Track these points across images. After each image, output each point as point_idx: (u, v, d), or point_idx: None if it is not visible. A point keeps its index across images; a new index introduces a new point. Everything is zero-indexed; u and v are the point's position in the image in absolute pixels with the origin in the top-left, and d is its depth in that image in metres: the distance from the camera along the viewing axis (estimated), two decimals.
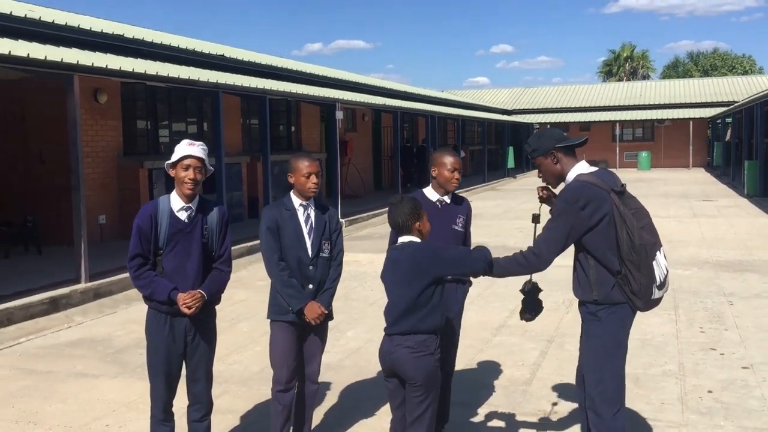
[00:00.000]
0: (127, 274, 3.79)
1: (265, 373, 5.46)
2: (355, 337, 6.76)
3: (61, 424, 4.78)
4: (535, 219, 3.89)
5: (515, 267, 3.45)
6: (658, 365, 5.73)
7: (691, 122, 36.48)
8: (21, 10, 10.25)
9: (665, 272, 3.39)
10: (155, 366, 3.73)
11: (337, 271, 4.08)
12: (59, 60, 8.05)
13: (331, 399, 5.13)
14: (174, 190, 3.75)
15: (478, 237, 12.90)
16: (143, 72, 9.66)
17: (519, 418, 4.71)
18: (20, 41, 9.16)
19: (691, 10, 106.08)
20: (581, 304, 3.56)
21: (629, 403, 4.80)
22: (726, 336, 6.52)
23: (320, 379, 4.20)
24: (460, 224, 4.24)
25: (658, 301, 3.42)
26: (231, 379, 5.60)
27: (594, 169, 3.50)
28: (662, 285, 3.38)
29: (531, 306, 3.79)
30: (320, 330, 4.07)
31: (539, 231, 3.52)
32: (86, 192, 9.64)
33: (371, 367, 5.84)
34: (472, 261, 3.37)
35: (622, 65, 62.69)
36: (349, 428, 4.60)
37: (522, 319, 3.82)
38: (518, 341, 6.49)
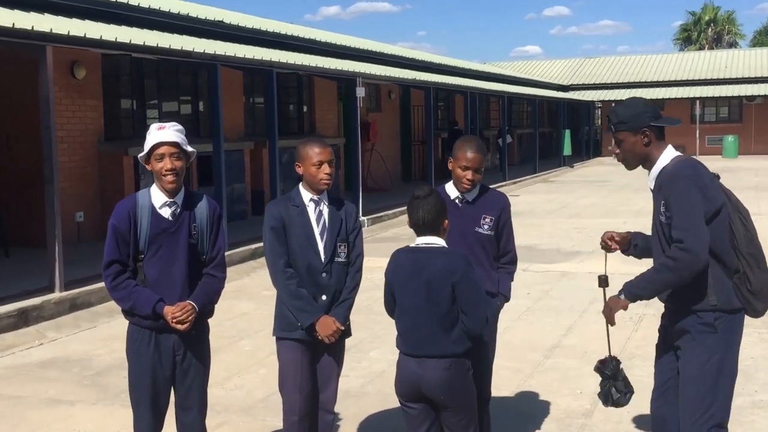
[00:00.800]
0: None
1: (271, 400, 5.49)
2: (380, 358, 6.77)
3: None
4: (603, 282, 3.88)
5: (664, 275, 3.37)
6: (746, 394, 5.66)
7: None
8: None
9: None
10: (139, 392, 3.76)
11: (355, 279, 4.09)
12: (29, 28, 8.14)
13: (350, 431, 5.14)
14: (154, 184, 3.77)
15: (526, 239, 12.85)
16: (128, 42, 9.74)
17: None
18: None
19: None
20: (690, 314, 3.49)
21: None
22: None
23: (337, 407, 4.21)
24: (485, 226, 4.20)
25: None
26: (231, 408, 5.63)
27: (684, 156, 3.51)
28: None
29: (622, 386, 3.85)
30: (335, 349, 4.07)
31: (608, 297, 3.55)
32: (61, 184, 9.75)
33: None
34: (481, 312, 3.48)
35: (704, 30, 61.92)
36: None
37: (609, 404, 3.84)
38: (576, 365, 6.45)
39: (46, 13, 10.23)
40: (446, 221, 3.55)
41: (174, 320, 3.63)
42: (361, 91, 15.21)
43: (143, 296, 3.67)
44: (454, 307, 3.41)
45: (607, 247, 3.81)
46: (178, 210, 3.74)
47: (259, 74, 13.86)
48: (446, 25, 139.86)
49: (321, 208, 4.03)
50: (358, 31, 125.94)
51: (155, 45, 10.24)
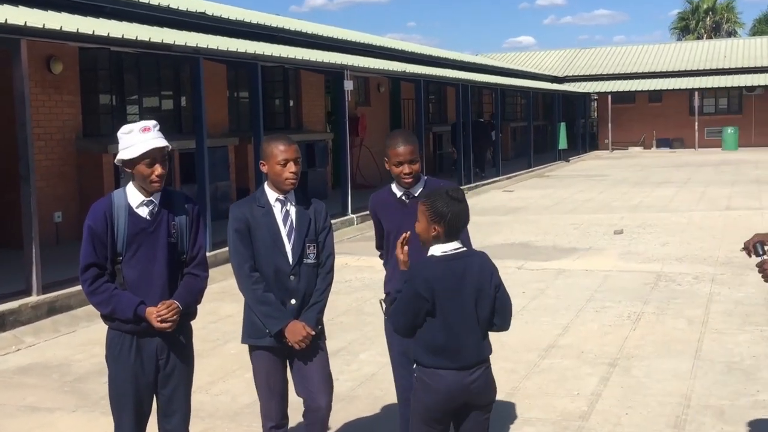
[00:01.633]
0: None
1: (257, 406, 5.46)
2: (370, 360, 6.76)
3: None
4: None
5: None
6: (749, 394, 5.67)
7: None
8: None
9: None
10: (121, 400, 3.74)
11: (326, 280, 4.06)
12: (2, 21, 8.09)
13: None
14: (130, 183, 3.74)
15: (521, 235, 12.87)
16: (106, 35, 9.69)
17: None
18: None
19: None
20: None
21: None
22: None
23: None
24: None
25: None
26: (216, 413, 5.62)
27: None
28: None
29: None
30: (312, 353, 4.01)
31: None
32: (38, 183, 9.71)
33: (389, 396, 5.82)
34: (511, 309, 3.56)
35: (702, 19, 62.12)
36: None
37: None
38: (572, 365, 6.46)
39: (20, 6, 10.17)
40: None
41: (159, 319, 3.61)
42: (349, 85, 15.19)
43: (123, 300, 3.65)
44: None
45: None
46: (156, 209, 3.73)
47: (244, 68, 13.84)
48: (437, 16, 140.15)
49: (288, 208, 3.99)
50: (346, 23, 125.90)
51: (135, 38, 10.20)
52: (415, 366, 3.48)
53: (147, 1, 13.37)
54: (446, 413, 3.44)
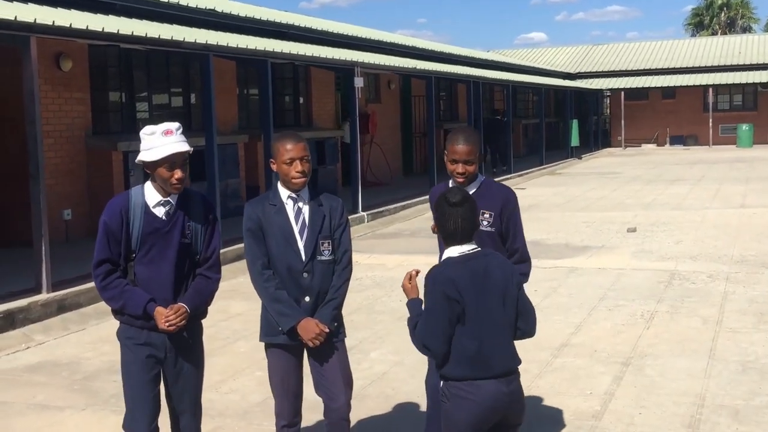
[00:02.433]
0: None
1: (268, 404, 5.47)
2: (381, 359, 6.76)
3: None
4: None
5: None
6: (764, 394, 5.64)
7: None
8: None
9: None
10: (135, 386, 3.76)
11: (342, 276, 4.04)
12: (12, 18, 8.12)
13: None
14: (149, 181, 3.76)
15: (533, 233, 12.83)
16: (116, 32, 9.72)
17: None
18: None
19: None
20: None
21: None
22: None
23: None
24: (485, 222, 4.13)
25: None
26: (226, 412, 5.63)
27: None
28: None
29: None
30: (329, 351, 4.01)
31: None
32: (48, 181, 9.75)
33: (400, 395, 5.84)
34: (534, 312, 3.51)
35: (716, 15, 61.83)
36: None
37: None
38: (585, 364, 6.44)
39: (30, 3, 10.21)
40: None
41: (167, 323, 3.63)
42: (359, 82, 15.19)
43: (134, 296, 3.69)
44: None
45: None
46: (173, 209, 3.76)
47: (254, 64, 13.84)
48: (447, 12, 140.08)
49: (300, 206, 3.99)
50: (356, 19, 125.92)
51: (144, 35, 10.23)
52: (442, 383, 3.26)
53: None
54: (483, 425, 3.21)
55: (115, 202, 3.74)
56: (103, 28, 9.58)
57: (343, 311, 4.13)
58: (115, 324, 3.93)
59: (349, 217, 14.34)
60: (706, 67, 38.31)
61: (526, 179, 23.53)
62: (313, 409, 4.82)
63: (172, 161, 3.65)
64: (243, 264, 10.78)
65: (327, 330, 3.92)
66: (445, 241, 3.35)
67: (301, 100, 19.03)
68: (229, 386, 6.18)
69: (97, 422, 5.52)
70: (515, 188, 20.51)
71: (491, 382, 3.19)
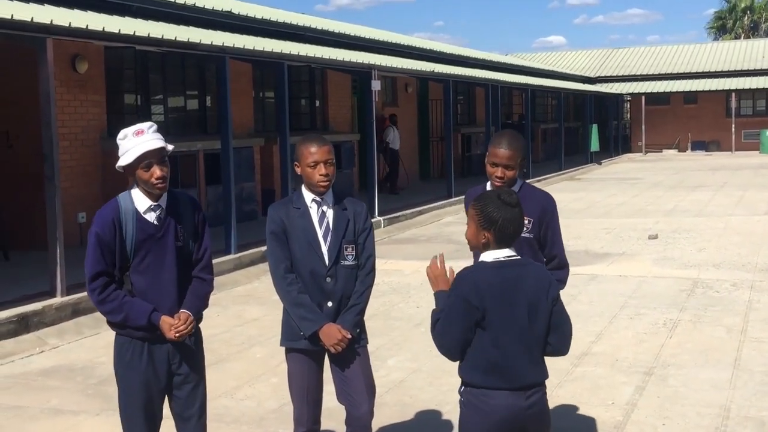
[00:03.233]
0: None
1: (284, 411, 5.47)
2: (398, 366, 6.74)
3: None
4: None
5: None
6: None
7: None
8: None
9: None
10: (133, 409, 3.72)
11: (365, 282, 4.04)
12: (28, 20, 8.18)
13: None
14: (135, 187, 3.72)
15: None
16: (132, 34, 9.76)
17: None
18: None
19: None
20: None
21: None
22: None
23: None
24: (525, 229, 4.12)
25: None
26: (242, 419, 5.62)
27: None
28: None
29: None
30: (351, 357, 4.00)
31: None
32: (63, 183, 9.78)
33: (418, 404, 5.81)
34: (570, 329, 3.31)
35: (740, 18, 61.51)
36: None
37: None
38: (606, 373, 6.40)
39: (46, 4, 10.28)
40: None
41: (177, 334, 3.61)
42: (376, 85, 15.19)
43: (136, 307, 3.63)
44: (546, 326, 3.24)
45: None
46: (163, 214, 3.71)
47: (270, 67, 13.87)
48: (465, 15, 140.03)
49: (324, 209, 3.99)
50: (373, 22, 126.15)
51: (160, 37, 10.27)
52: (462, 389, 3.24)
53: (173, 0, 13.47)
54: None
55: (104, 211, 3.67)
56: (119, 30, 9.62)
57: None
58: None
59: None
60: (728, 71, 38.11)
61: (545, 185, 23.44)
62: (331, 416, 4.81)
63: (147, 160, 3.58)
64: (258, 269, 10.90)
65: (349, 336, 3.91)
66: (484, 245, 3.22)
67: (317, 104, 19.05)
68: (244, 393, 6.18)
69: (111, 428, 5.52)
70: None
71: (505, 393, 3.13)
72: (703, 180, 23.44)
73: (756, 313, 8.07)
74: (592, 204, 18.29)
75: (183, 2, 13.64)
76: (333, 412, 4.71)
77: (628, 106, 41.89)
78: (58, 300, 8.41)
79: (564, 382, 6.20)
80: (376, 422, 5.43)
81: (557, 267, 4.18)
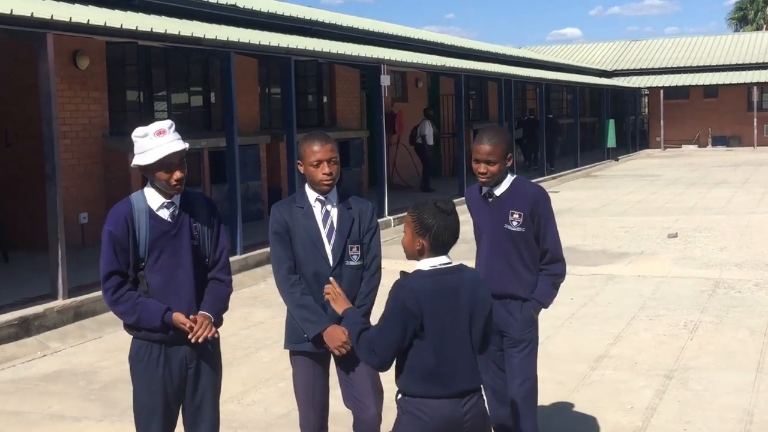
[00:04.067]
0: None
1: (292, 416, 5.47)
2: None
3: None
4: None
5: None
6: None
7: None
8: None
9: None
10: (148, 414, 3.74)
11: (371, 283, 4.05)
12: (28, 15, 8.20)
13: None
14: (148, 185, 3.74)
15: (568, 239, 12.74)
16: (134, 28, 9.78)
17: None
18: None
19: None
20: None
21: None
22: None
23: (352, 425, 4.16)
24: (514, 223, 4.20)
25: None
26: (248, 424, 5.63)
27: None
28: None
29: None
30: (356, 358, 4.00)
31: None
32: (64, 183, 9.81)
33: None
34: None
35: (761, 9, 61.20)
36: None
37: None
38: (625, 377, 6.38)
39: None
40: None
41: (194, 337, 3.62)
42: (386, 80, 15.18)
43: (149, 307, 3.64)
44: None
45: None
46: (177, 211, 3.72)
47: (276, 62, 13.89)
48: (476, 7, 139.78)
49: (328, 209, 3.99)
50: (381, 15, 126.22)
51: (164, 31, 10.28)
52: (399, 397, 3.26)
53: None
54: None
55: (117, 210, 3.70)
56: (121, 25, 9.64)
57: None
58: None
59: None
60: (750, 64, 37.93)
61: (560, 182, 23.40)
62: (339, 421, 4.81)
63: (169, 162, 3.60)
64: (265, 270, 10.91)
65: None
66: (419, 252, 3.28)
67: (325, 100, 19.05)
68: (251, 398, 6.18)
69: None
70: (549, 191, 20.38)
71: (445, 402, 3.18)
72: (725, 177, 23.35)
73: None
74: (609, 202, 18.24)
75: None
76: (341, 416, 4.70)
77: (646, 100, 41.77)
78: (59, 302, 8.43)
79: (581, 386, 6.19)
80: (385, 427, 5.43)
81: (550, 261, 4.28)
